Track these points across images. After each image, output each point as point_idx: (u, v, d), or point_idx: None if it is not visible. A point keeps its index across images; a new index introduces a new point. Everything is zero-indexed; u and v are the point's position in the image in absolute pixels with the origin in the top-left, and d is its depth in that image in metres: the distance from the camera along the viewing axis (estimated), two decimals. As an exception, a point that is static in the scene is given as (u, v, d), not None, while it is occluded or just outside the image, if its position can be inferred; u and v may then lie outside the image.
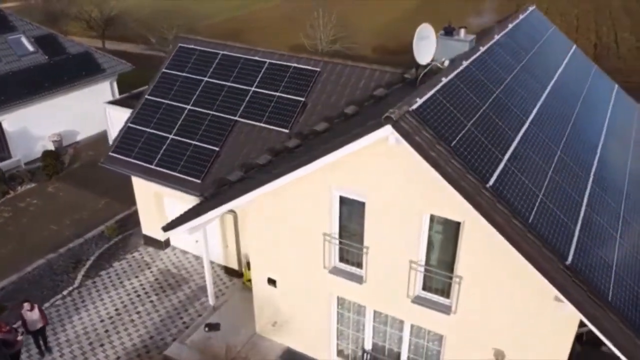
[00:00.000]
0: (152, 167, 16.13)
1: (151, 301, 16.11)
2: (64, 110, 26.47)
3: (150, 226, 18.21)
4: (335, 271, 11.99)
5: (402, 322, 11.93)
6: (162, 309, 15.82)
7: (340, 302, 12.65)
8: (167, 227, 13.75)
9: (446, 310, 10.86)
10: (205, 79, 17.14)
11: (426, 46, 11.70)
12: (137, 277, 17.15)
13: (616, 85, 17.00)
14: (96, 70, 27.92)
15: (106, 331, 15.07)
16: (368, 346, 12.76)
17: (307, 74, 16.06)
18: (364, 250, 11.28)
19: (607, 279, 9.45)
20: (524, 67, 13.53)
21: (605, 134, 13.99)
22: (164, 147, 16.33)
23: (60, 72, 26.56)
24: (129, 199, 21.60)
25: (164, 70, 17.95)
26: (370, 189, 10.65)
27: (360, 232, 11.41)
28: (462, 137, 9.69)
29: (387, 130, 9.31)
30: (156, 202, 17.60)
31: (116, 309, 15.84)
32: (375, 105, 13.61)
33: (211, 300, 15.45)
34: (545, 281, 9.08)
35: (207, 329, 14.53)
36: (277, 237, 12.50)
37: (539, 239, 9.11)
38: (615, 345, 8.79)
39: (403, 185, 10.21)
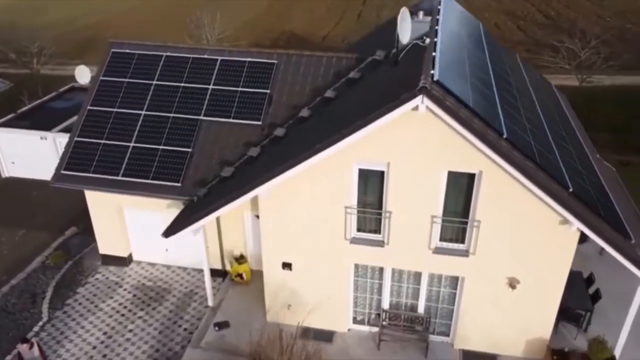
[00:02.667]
0: (119, 178, 15.38)
1: (140, 317, 15.42)
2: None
3: (110, 244, 17.22)
4: (355, 241, 12.93)
5: (419, 274, 13.29)
6: (154, 322, 15.25)
7: (357, 269, 13.60)
8: (170, 231, 13.50)
9: (465, 253, 12.46)
10: (154, 82, 16.69)
11: (406, 27, 13.12)
12: (111, 297, 16.19)
13: (517, 54, 20.20)
14: (-29, 92, 24.86)
15: (104, 356, 14.18)
16: (385, 305, 13.92)
17: (264, 66, 16.54)
18: (386, 215, 12.39)
19: (593, 197, 11.81)
20: (468, 40, 15.63)
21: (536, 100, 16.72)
22: (127, 156, 15.64)
23: None
24: (51, 225, 20.18)
25: (101, 78, 17.03)
26: (390, 158, 11.77)
27: (376, 200, 12.51)
28: (472, 100, 11.27)
29: (418, 100, 10.54)
30: (117, 217, 16.70)
31: (104, 333, 14.90)
32: (353, 86, 14.68)
33: (210, 301, 15.33)
34: (554, 208, 11.11)
35: (217, 328, 14.47)
36: (294, 220, 13.01)
37: (547, 175, 11.08)
38: (612, 246, 11.12)
39: (423, 149, 11.50)
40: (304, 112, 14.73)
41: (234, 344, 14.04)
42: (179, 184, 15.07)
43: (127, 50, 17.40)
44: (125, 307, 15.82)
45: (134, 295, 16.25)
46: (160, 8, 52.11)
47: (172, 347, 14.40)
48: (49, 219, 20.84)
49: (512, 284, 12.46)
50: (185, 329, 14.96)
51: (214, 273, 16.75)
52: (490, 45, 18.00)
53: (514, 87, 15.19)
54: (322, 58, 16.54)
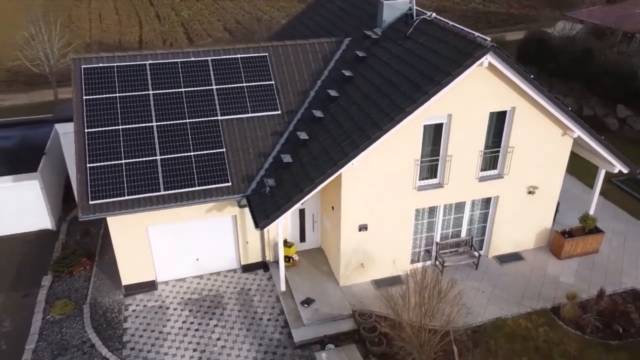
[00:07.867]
0: (162, 193, 14.69)
1: (215, 325, 15.15)
2: None
3: (134, 272, 16.07)
4: (421, 188, 15.25)
5: (463, 204, 16.27)
6: (233, 324, 15.19)
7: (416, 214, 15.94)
8: (264, 222, 13.90)
9: (500, 176, 15.87)
10: (151, 92, 15.98)
11: (412, 7, 15.74)
12: (167, 320, 15.37)
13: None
14: None
15: (214, 368, 13.87)
16: (437, 238, 16.58)
17: (258, 60, 17.23)
18: (448, 159, 15.01)
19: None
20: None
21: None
22: (159, 169, 14.95)
23: None
24: (12, 281, 17.44)
25: (85, 97, 15.54)
26: (452, 110, 14.38)
27: (432, 149, 15.02)
28: (501, 53, 14.55)
29: (485, 57, 13.39)
30: (142, 240, 15.67)
31: (194, 350, 14.38)
32: (367, 62, 16.59)
33: (283, 287, 15.87)
34: (565, 124, 15.21)
35: (306, 305, 15.25)
36: (370, 184, 14.63)
37: (560, 100, 15.06)
38: (601, 144, 15.73)
39: (474, 98, 14.41)
40: (332, 92, 16.14)
41: (329, 312, 15.12)
42: (230, 183, 15.16)
43: (101, 65, 16.11)
44: (191, 323, 15.28)
45: (190, 311, 15.70)
46: None
47: (272, 337, 14.75)
48: (8, 274, 17.77)
49: (532, 190, 16.36)
50: (269, 320, 15.33)
51: (255, 266, 17.19)
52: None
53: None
54: (305, 45, 17.95)
